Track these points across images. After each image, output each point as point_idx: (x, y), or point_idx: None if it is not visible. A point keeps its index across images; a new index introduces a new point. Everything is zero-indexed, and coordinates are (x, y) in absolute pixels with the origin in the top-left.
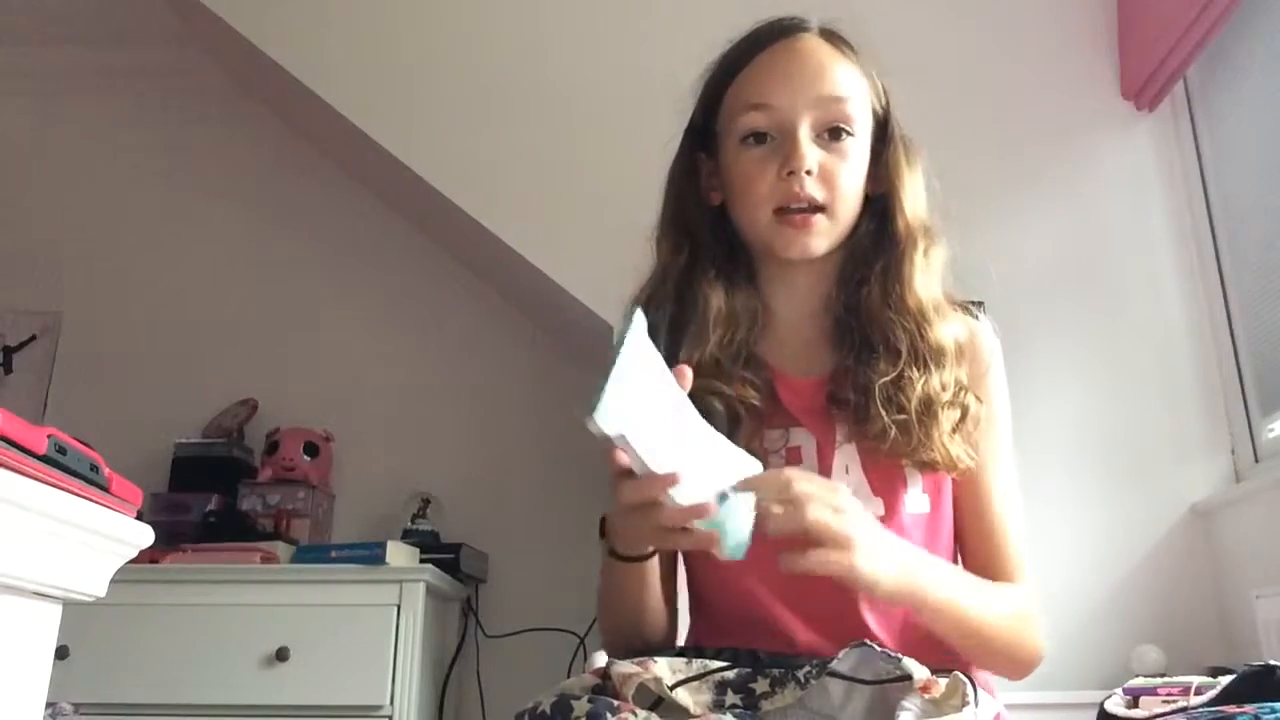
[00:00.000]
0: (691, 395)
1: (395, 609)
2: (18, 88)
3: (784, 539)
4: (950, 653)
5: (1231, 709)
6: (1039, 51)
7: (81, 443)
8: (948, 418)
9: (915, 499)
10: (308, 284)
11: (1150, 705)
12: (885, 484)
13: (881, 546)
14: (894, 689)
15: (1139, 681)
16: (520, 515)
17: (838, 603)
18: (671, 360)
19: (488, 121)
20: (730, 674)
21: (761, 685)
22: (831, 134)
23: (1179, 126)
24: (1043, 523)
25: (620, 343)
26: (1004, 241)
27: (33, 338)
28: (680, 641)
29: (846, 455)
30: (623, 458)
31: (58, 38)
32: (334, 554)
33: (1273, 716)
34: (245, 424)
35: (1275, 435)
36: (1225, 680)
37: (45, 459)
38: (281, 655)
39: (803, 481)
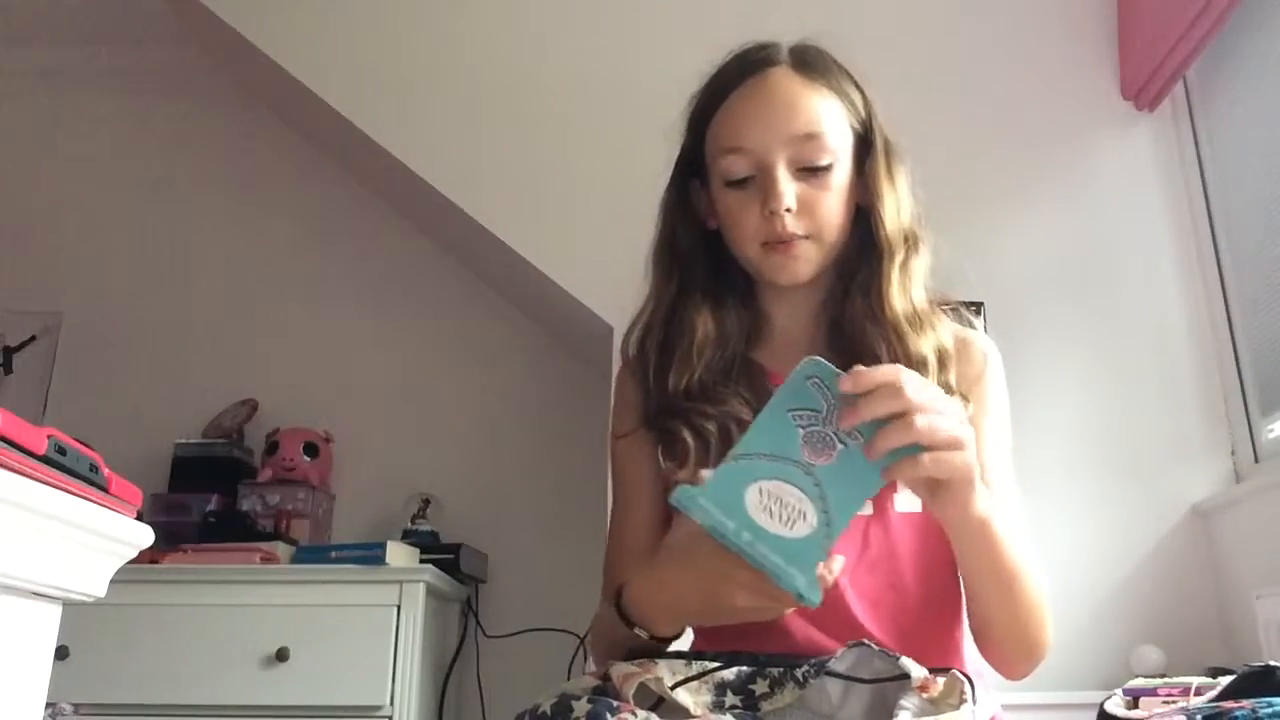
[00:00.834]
0: (679, 421)
1: (395, 609)
2: (18, 88)
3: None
4: (945, 651)
5: (1229, 704)
6: (1039, 51)
7: (81, 443)
8: None
9: (906, 497)
10: (308, 284)
11: (1150, 706)
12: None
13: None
14: (891, 688)
15: (1139, 682)
16: (520, 515)
17: (830, 598)
18: (661, 386)
19: (487, 121)
20: (730, 674)
21: (761, 686)
22: (809, 168)
23: (1179, 126)
24: (1043, 523)
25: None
26: (1004, 241)
27: (33, 338)
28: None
29: None
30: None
31: (58, 38)
32: (334, 554)
33: (1270, 710)
34: (245, 424)
35: (1275, 435)
36: (1225, 681)
37: (45, 459)
38: (281, 655)
39: (911, 386)
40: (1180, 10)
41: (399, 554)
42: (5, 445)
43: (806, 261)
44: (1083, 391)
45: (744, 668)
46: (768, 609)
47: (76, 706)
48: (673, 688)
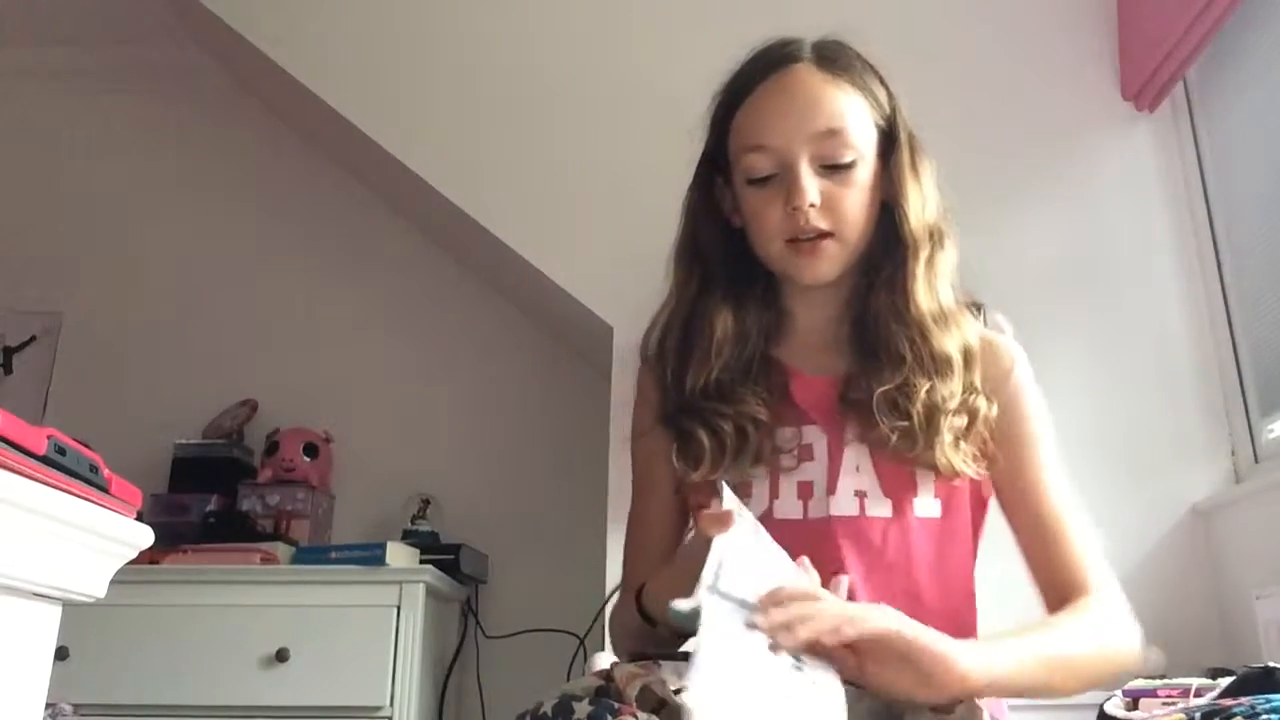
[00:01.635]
0: (695, 421)
1: (395, 610)
2: (18, 88)
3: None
4: None
5: (1228, 701)
6: (1039, 52)
7: (81, 443)
8: (950, 426)
9: (925, 503)
10: (308, 284)
11: (1150, 707)
12: (895, 486)
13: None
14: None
15: (1139, 683)
16: (520, 515)
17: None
18: (678, 383)
19: (487, 121)
20: None
21: None
22: (833, 166)
23: (1179, 127)
24: None
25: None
26: (1003, 242)
27: (33, 338)
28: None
29: (857, 454)
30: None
31: (58, 38)
32: (334, 555)
33: (1269, 706)
34: (245, 424)
35: (1275, 436)
36: (1225, 682)
37: (45, 460)
38: (281, 656)
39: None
40: (1180, 10)
41: (399, 554)
42: (5, 446)
43: (830, 260)
44: (1082, 392)
45: None
46: None
47: (76, 707)
48: (677, 691)
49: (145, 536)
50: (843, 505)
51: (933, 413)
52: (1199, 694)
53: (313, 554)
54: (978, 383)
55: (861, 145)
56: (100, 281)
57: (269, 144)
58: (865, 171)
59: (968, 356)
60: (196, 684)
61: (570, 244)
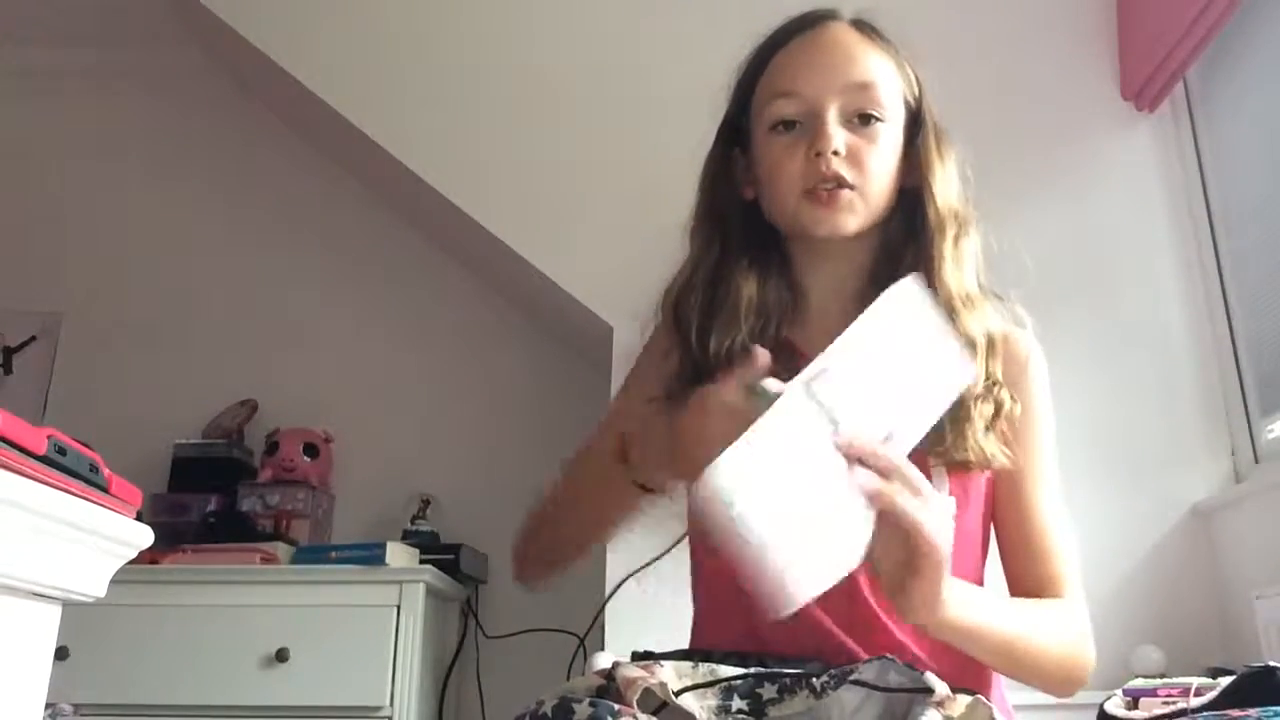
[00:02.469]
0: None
1: (395, 610)
2: (18, 88)
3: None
4: (970, 662)
5: (1235, 713)
6: (1039, 52)
7: (81, 443)
8: (981, 413)
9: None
10: (308, 284)
11: (1150, 706)
12: None
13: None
14: (902, 699)
15: (1139, 682)
16: (520, 515)
17: (856, 603)
18: (703, 348)
19: (487, 121)
20: (736, 678)
21: (769, 691)
22: (861, 119)
23: (1179, 126)
24: None
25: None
26: (1003, 242)
27: (33, 338)
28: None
29: None
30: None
31: (58, 38)
32: (334, 555)
33: (1275, 717)
34: (245, 424)
35: (1275, 436)
36: (1225, 681)
37: (45, 459)
38: (281, 656)
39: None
40: (1180, 10)
41: (399, 554)
42: (5, 445)
43: (849, 213)
44: (1082, 392)
45: (752, 670)
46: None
47: (76, 707)
48: (678, 693)
49: (145, 536)
50: None
51: (961, 400)
52: (1199, 694)
53: (313, 554)
54: (998, 373)
55: (890, 107)
56: (100, 281)
57: (269, 144)
58: (892, 135)
59: (991, 345)
60: (196, 684)
61: (570, 244)
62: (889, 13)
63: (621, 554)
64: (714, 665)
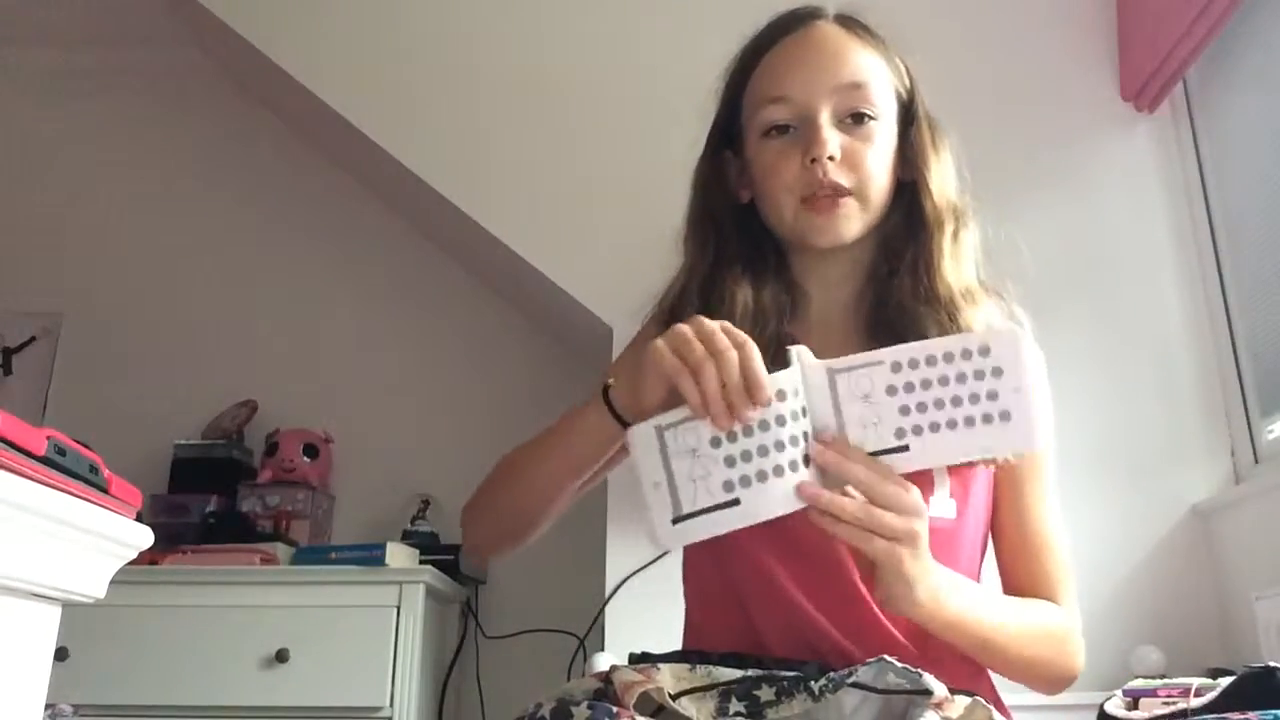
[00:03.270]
0: None
1: (395, 610)
2: (18, 88)
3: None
4: (972, 670)
5: (1235, 716)
6: (1039, 52)
7: (81, 444)
8: None
9: (941, 502)
10: (308, 284)
11: (1150, 706)
12: (911, 481)
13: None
14: (900, 700)
15: (1139, 683)
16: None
17: (856, 602)
18: None
19: (487, 121)
20: (735, 681)
21: (766, 693)
22: (854, 119)
23: (1179, 127)
24: None
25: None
26: (1002, 243)
27: (33, 339)
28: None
29: None
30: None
31: (58, 38)
32: (334, 555)
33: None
34: (245, 425)
35: (1275, 437)
36: (1225, 682)
37: (44, 460)
38: (281, 656)
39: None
40: (1180, 10)
41: (399, 555)
42: (5, 446)
43: (849, 220)
44: (1082, 392)
45: (750, 673)
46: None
47: (76, 707)
48: (676, 697)
49: (145, 537)
50: None
51: None
52: (1199, 694)
53: (312, 554)
54: None
55: (882, 105)
56: (100, 281)
57: (269, 144)
58: (886, 132)
59: None
60: (196, 684)
61: (570, 244)
62: (888, 13)
63: (621, 554)
64: (711, 668)
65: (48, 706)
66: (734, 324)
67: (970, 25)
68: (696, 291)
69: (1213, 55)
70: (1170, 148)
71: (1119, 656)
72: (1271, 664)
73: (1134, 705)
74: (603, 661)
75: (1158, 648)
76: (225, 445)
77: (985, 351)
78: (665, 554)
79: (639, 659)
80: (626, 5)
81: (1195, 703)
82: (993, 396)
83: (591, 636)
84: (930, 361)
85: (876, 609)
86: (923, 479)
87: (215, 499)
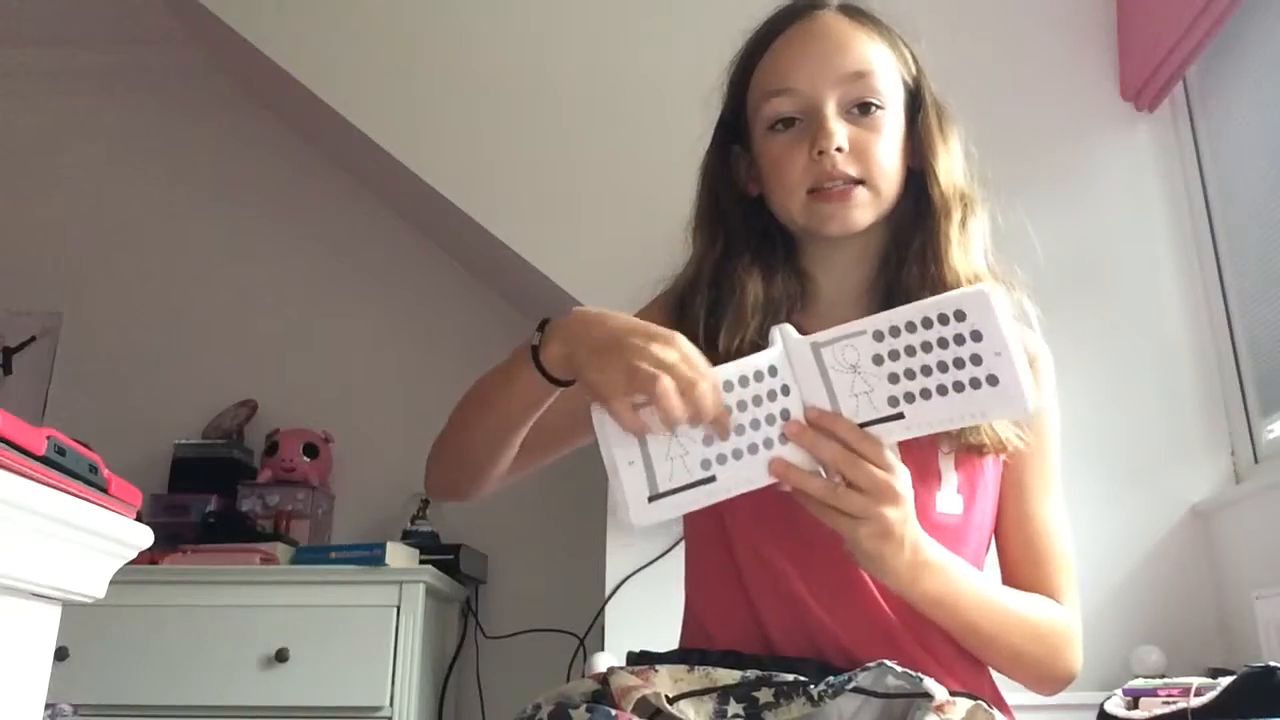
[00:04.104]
0: None
1: (395, 610)
2: (18, 88)
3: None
4: (974, 663)
5: None
6: (1038, 51)
7: (81, 444)
8: None
9: (948, 498)
10: (308, 285)
11: (1150, 706)
12: (918, 476)
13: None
14: (900, 703)
15: (1139, 683)
16: (520, 516)
17: (858, 600)
18: (711, 347)
19: (487, 121)
20: (734, 682)
21: (765, 695)
22: (860, 109)
23: (1179, 127)
24: None
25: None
26: (1002, 242)
27: (32, 338)
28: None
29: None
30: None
31: (58, 38)
32: (334, 555)
33: None
34: (245, 425)
35: (1275, 436)
36: (1225, 682)
37: (44, 460)
38: (281, 656)
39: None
40: (1180, 10)
41: (399, 554)
42: (5, 446)
43: (860, 209)
44: (1082, 392)
45: (749, 675)
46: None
47: (76, 707)
48: (674, 700)
49: (145, 537)
50: None
51: None
52: (1199, 693)
53: (312, 554)
54: None
55: (889, 93)
56: (100, 281)
57: (269, 144)
58: (894, 121)
59: None
60: (196, 684)
61: (570, 244)
62: (888, 14)
63: (621, 554)
64: (710, 669)
65: (48, 706)
66: (745, 314)
67: (970, 25)
68: (707, 284)
69: (1213, 55)
70: (1170, 148)
71: (1119, 656)
72: (1271, 664)
73: (1134, 705)
74: (602, 661)
75: (1158, 647)
76: (225, 445)
77: (961, 316)
78: (665, 554)
79: (638, 658)
80: (627, 5)
81: (1195, 703)
82: (976, 361)
83: (591, 636)
84: (910, 328)
85: (886, 612)
86: (930, 474)
87: (215, 499)
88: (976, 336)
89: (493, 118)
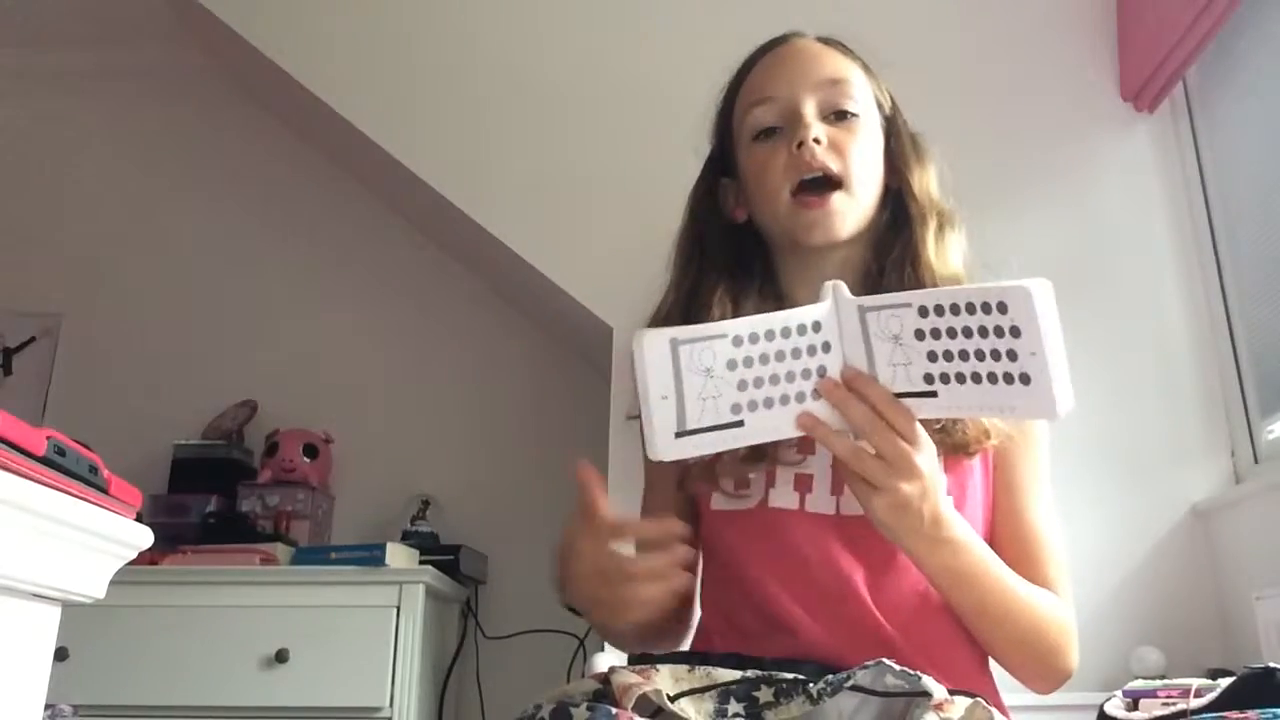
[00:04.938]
0: None
1: (395, 611)
2: (18, 88)
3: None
4: (972, 664)
5: (1234, 715)
6: (1038, 52)
7: (81, 444)
8: None
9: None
10: (308, 285)
11: (1150, 707)
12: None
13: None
14: (900, 702)
15: (1139, 683)
16: (520, 516)
17: (855, 603)
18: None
19: (487, 121)
20: (734, 682)
21: (765, 694)
22: (837, 115)
23: (1179, 127)
24: None
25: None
26: (1002, 242)
27: (32, 339)
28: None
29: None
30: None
31: (57, 38)
32: (333, 555)
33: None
34: (245, 425)
35: (1275, 436)
36: (1225, 682)
37: (44, 460)
38: (281, 657)
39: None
40: (1180, 10)
41: (399, 555)
42: (5, 446)
43: (840, 215)
44: (1081, 392)
45: (749, 673)
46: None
47: (76, 708)
48: (674, 698)
49: (145, 537)
50: (851, 503)
51: None
52: (1199, 694)
53: (312, 555)
54: None
55: (864, 105)
56: (100, 282)
57: (269, 145)
58: (870, 131)
59: None
60: (196, 684)
61: (570, 244)
62: (888, 13)
63: None
64: (711, 668)
65: (48, 706)
66: None
67: (969, 25)
68: (679, 315)
69: (1212, 55)
70: (1170, 148)
71: (1119, 657)
72: (1271, 664)
73: (1134, 706)
74: (602, 662)
75: (1157, 648)
76: (225, 445)
77: (1003, 309)
78: None
79: (638, 659)
80: (627, 6)
81: (1195, 703)
82: (1013, 357)
83: (591, 636)
84: (954, 310)
85: (879, 617)
86: None
87: (215, 499)
88: (1015, 332)
89: (493, 118)
